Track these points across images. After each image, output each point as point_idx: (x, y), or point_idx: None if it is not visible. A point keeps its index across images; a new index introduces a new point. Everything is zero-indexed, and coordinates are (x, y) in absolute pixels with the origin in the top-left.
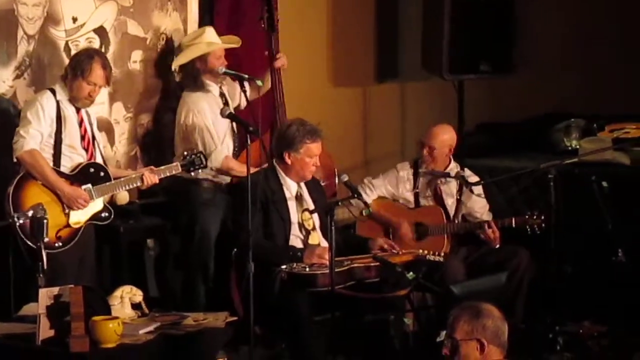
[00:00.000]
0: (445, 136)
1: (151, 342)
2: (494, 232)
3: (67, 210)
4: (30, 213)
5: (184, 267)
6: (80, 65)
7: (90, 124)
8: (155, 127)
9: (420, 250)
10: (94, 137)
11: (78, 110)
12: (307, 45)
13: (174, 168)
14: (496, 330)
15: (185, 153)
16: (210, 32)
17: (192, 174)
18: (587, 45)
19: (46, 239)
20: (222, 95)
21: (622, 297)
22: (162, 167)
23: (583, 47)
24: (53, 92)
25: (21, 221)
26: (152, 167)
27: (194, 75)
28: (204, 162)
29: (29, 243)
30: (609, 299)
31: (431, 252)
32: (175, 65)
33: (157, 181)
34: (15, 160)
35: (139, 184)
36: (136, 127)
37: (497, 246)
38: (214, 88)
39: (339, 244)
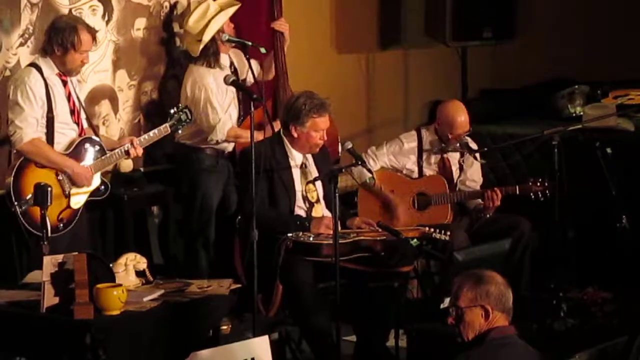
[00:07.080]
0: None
1: (155, 309)
2: (494, 201)
3: (67, 192)
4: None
5: (186, 234)
6: (68, 39)
7: (77, 94)
8: (159, 94)
9: (427, 228)
10: (81, 107)
11: (65, 83)
12: (310, 11)
13: (163, 130)
14: (500, 296)
15: (172, 111)
16: (212, 4)
17: (180, 131)
18: (591, 10)
19: (49, 225)
20: (231, 64)
21: (626, 263)
22: (152, 132)
23: (586, 13)
24: (38, 68)
25: (23, 208)
26: (133, 137)
27: (214, 48)
28: (190, 116)
29: (32, 230)
30: (612, 265)
31: (437, 230)
32: (201, 47)
33: (141, 153)
34: (14, 152)
35: (125, 157)
36: (140, 95)
37: (488, 216)
38: (224, 58)
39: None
